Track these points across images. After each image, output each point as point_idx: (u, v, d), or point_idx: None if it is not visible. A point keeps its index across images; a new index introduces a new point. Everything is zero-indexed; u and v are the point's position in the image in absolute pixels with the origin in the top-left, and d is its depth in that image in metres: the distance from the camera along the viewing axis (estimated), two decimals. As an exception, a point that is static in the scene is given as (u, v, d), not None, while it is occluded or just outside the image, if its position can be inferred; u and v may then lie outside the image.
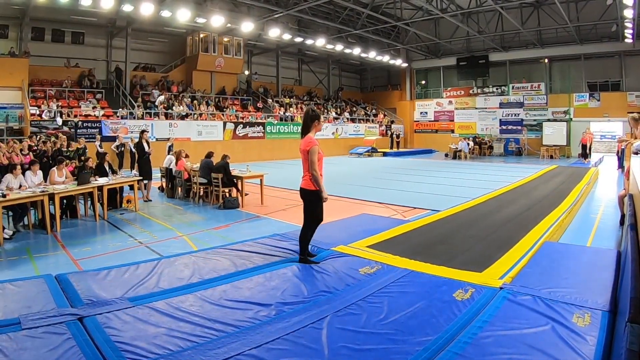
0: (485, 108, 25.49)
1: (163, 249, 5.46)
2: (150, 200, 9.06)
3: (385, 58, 25.30)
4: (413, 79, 28.95)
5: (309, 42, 21.19)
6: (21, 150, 9.43)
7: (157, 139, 15.70)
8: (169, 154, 11.50)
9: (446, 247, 4.99)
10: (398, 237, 5.34)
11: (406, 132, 28.63)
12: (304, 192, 4.10)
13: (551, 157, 21.35)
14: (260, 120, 20.72)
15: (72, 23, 17.39)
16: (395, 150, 24.95)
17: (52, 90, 16.04)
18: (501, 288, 3.49)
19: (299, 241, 4.29)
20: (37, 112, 14.43)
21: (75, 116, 15.15)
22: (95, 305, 3.10)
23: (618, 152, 15.76)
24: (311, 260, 4.24)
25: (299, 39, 20.93)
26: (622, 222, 6.13)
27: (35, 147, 10.19)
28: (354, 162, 19.15)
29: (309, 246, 4.43)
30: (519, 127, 24.09)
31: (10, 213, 6.44)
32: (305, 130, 4.13)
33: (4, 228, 5.86)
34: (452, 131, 26.54)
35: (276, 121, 21.44)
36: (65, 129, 14.14)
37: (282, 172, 14.27)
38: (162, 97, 18.01)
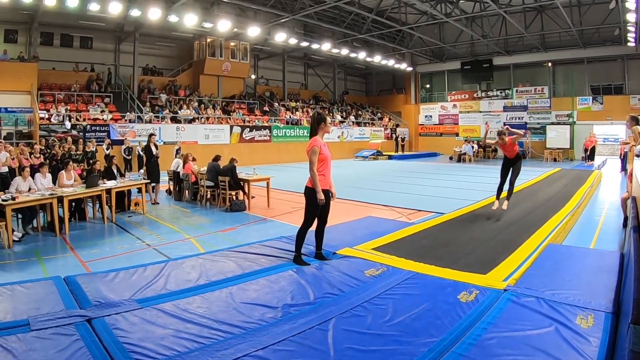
0: (490, 111, 25.48)
1: (170, 251, 5.51)
2: (158, 203, 9.14)
3: (390, 62, 25.37)
4: (418, 82, 28.99)
5: (314, 46, 21.30)
6: (31, 153, 9.55)
7: (164, 143, 15.86)
8: (176, 157, 11.62)
9: (450, 249, 5.00)
10: (403, 240, 5.35)
11: (411, 135, 28.63)
12: (305, 190, 4.28)
13: (555, 159, 21.28)
14: (266, 124, 20.84)
15: (81, 28, 17.62)
16: (400, 153, 24.95)
17: (61, 94, 16.25)
18: (505, 290, 3.50)
19: (295, 239, 4.38)
20: (46, 116, 14.62)
21: (84, 120, 15.33)
22: (103, 306, 3.13)
23: (621, 154, 15.68)
24: (304, 261, 4.32)
25: (304, 44, 21.06)
26: (625, 225, 6.11)
27: (46, 151, 10.33)
28: (359, 165, 19.17)
29: (322, 250, 4.54)
30: (523, 131, 23.98)
31: (20, 216, 6.51)
32: (312, 133, 4.31)
33: (13, 230, 5.93)
34: (457, 134, 26.51)
35: (282, 125, 21.54)
36: (74, 132, 14.32)
37: (288, 175, 14.32)
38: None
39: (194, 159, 9.69)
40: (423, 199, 9.59)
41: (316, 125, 4.27)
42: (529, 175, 13.98)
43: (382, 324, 2.96)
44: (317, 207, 4.19)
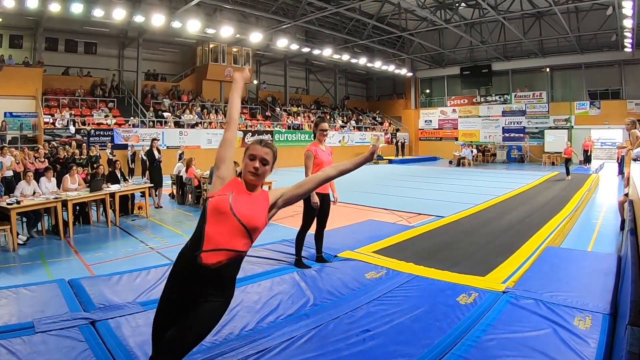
0: (489, 116, 25.68)
1: (174, 254, 5.42)
2: (161, 207, 9.17)
3: (391, 67, 25.51)
4: (418, 88, 29.16)
5: (316, 52, 21.45)
6: (36, 157, 9.62)
7: (167, 147, 15.93)
8: (179, 161, 11.69)
9: (450, 252, 5.05)
10: (403, 243, 5.40)
11: (411, 140, 28.74)
12: None
13: (553, 163, 21.38)
14: (268, 129, 20.94)
15: (85, 34, 17.78)
16: (400, 157, 25.01)
17: (65, 99, 16.36)
18: (504, 292, 3.54)
19: (295, 243, 4.43)
20: (51, 121, 14.72)
21: (88, 124, 15.44)
22: (107, 309, 3.15)
23: (618, 158, 15.75)
24: (305, 264, 4.36)
25: (306, 49, 21.22)
26: (622, 228, 6.14)
27: (50, 155, 10.39)
28: (360, 170, 19.05)
29: (323, 253, 4.59)
30: (522, 135, 24.25)
31: (25, 219, 6.54)
32: (314, 137, 4.42)
33: (18, 234, 5.96)
34: (456, 139, 26.64)
35: (284, 129, 21.65)
36: (78, 137, 14.41)
37: (290, 179, 14.28)
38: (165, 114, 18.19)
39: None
40: (423, 203, 9.63)
41: (315, 130, 4.39)
42: (527, 179, 14.05)
43: (383, 325, 2.99)
44: (313, 210, 4.24)
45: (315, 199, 4.17)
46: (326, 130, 4.42)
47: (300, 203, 4.42)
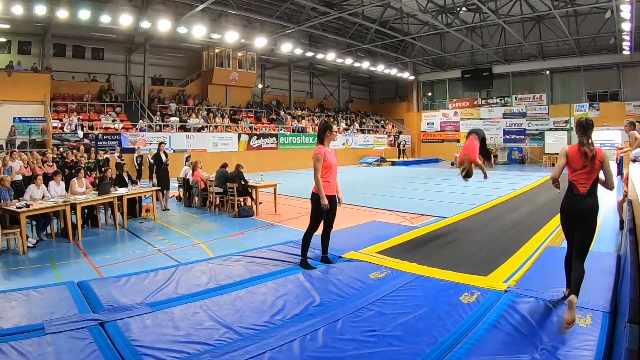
0: (490, 118, 25.73)
1: (181, 256, 5.59)
2: (168, 210, 9.24)
3: (393, 71, 25.60)
4: (420, 91, 29.26)
5: (319, 56, 21.56)
6: (45, 162, 9.74)
7: (174, 151, 16.07)
8: (186, 164, 11.80)
9: (452, 252, 5.09)
10: (406, 243, 5.46)
11: (413, 142, 28.80)
12: (311, 195, 4.40)
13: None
14: (273, 132, 21.07)
15: (92, 39, 17.94)
16: (403, 159, 25.05)
17: (73, 104, 16.54)
18: (506, 291, 3.58)
19: (301, 243, 4.49)
20: (59, 125, 14.87)
21: (96, 129, 15.60)
22: (116, 310, 3.20)
23: (617, 159, 15.71)
24: (310, 265, 4.42)
25: (310, 54, 21.33)
26: (621, 227, 6.12)
27: (58, 159, 10.52)
28: (363, 171, 19.26)
29: (328, 254, 4.65)
30: (522, 137, 24.32)
31: (34, 222, 6.64)
32: (319, 140, 4.44)
33: (27, 237, 6.02)
34: (458, 141, 26.64)
35: (289, 132, 21.76)
36: (86, 141, 14.57)
37: (295, 181, 14.46)
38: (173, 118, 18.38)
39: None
40: (425, 204, 9.66)
41: (322, 134, 4.41)
42: (528, 180, 14.04)
43: (387, 325, 3.05)
44: (321, 212, 4.30)
45: (325, 201, 4.24)
46: (336, 134, 4.56)
47: (302, 204, 4.49)
